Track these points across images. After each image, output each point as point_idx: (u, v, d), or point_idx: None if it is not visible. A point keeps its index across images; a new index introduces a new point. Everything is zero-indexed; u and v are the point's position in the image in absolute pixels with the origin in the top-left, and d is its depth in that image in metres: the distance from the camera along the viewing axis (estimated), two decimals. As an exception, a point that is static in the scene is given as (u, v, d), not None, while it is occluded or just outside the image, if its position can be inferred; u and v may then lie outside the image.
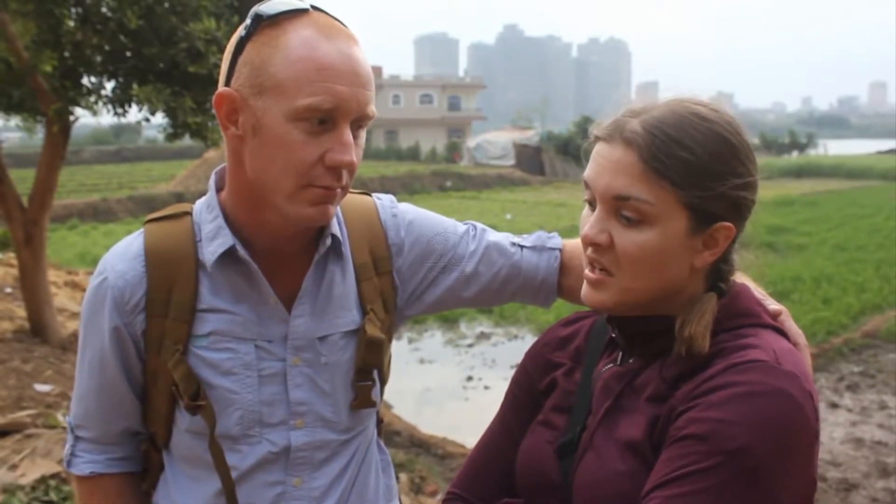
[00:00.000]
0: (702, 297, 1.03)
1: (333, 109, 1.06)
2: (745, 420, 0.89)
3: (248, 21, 1.09)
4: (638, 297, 1.03)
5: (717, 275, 1.07)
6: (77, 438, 1.29)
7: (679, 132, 0.98)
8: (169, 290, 1.18)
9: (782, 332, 1.04)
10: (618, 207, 1.00)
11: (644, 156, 0.97)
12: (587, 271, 1.06)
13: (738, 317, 1.02)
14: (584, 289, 1.07)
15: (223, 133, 1.14)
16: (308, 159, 1.07)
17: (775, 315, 1.08)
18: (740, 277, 1.12)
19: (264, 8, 1.09)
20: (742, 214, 1.03)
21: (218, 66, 5.04)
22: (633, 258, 1.00)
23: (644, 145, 0.98)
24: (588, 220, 1.04)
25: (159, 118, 5.54)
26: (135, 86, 5.13)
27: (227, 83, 1.10)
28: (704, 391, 0.94)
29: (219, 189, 1.22)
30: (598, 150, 1.03)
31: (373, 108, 1.11)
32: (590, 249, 1.04)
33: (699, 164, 0.97)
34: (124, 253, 1.20)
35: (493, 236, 1.38)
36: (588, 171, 1.04)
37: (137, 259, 1.19)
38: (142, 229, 1.23)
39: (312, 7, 1.10)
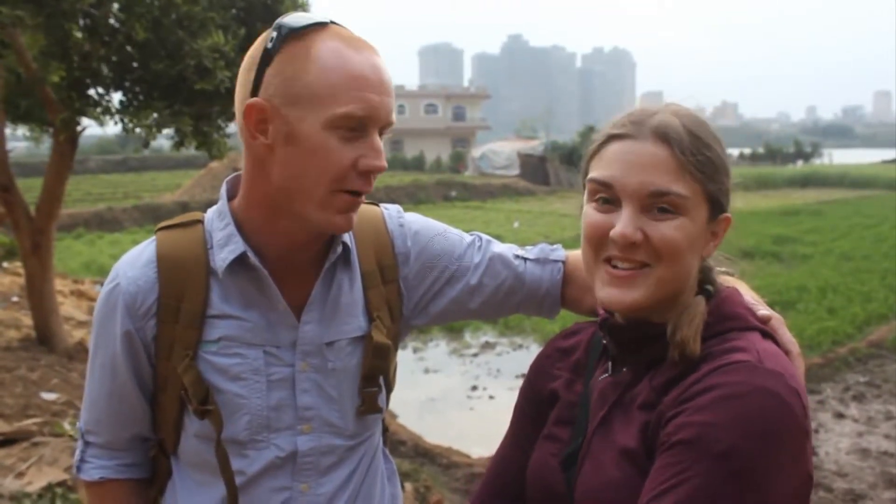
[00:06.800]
0: (691, 300, 1.05)
1: (366, 117, 1.11)
2: (732, 421, 0.90)
3: (273, 34, 1.12)
4: (669, 289, 1.04)
5: (704, 276, 1.10)
6: (87, 444, 1.30)
7: (701, 131, 1.04)
8: (180, 296, 1.20)
9: (768, 335, 1.05)
10: (652, 203, 1.01)
11: (681, 151, 1.01)
12: (611, 270, 1.04)
13: (725, 321, 1.04)
14: (609, 290, 1.04)
15: (248, 142, 1.15)
16: (343, 164, 1.11)
17: (765, 320, 1.09)
18: (732, 282, 1.14)
19: (289, 21, 1.12)
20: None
21: (224, 82, 5.08)
22: (673, 244, 1.01)
23: (680, 140, 1.01)
24: (601, 219, 1.04)
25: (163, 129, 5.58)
26: (134, 115, 5.17)
27: (255, 93, 1.12)
28: (690, 395, 0.95)
29: (230, 198, 1.24)
30: (621, 147, 1.03)
31: (394, 116, 1.16)
32: (613, 248, 1.03)
33: (717, 161, 1.04)
34: (136, 259, 1.23)
35: (498, 248, 1.39)
36: (609, 170, 1.03)
37: (149, 265, 1.21)
38: (154, 237, 1.25)
39: (331, 21, 1.14)
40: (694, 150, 1.01)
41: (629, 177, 1.01)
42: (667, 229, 1.01)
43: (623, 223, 1.01)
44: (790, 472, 0.92)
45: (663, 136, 1.01)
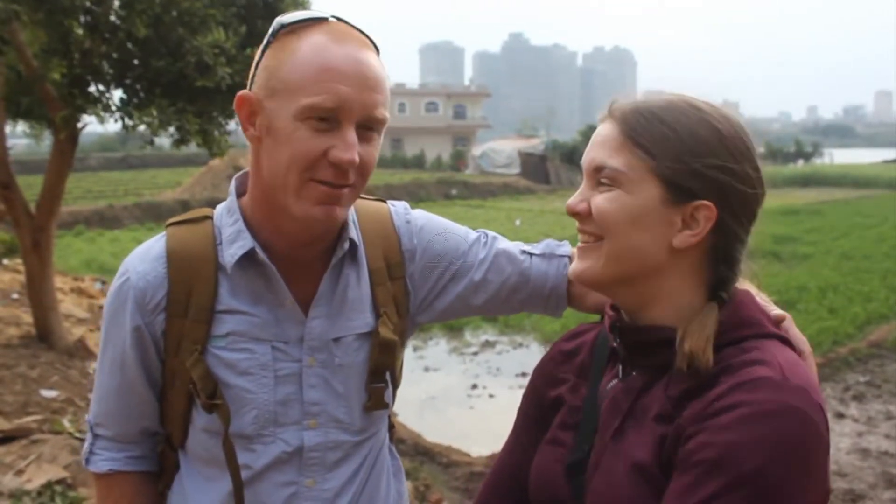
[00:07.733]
0: (703, 307, 1.02)
1: (336, 109, 1.10)
2: (758, 442, 0.88)
3: (271, 29, 1.14)
4: (620, 267, 1.04)
5: (720, 283, 1.05)
6: (96, 437, 1.31)
7: (665, 112, 1.03)
8: (189, 291, 1.20)
9: (786, 341, 1.02)
10: (597, 178, 1.05)
11: (623, 128, 1.03)
12: (578, 244, 1.11)
13: (742, 327, 1.01)
14: (572, 264, 1.12)
15: (245, 135, 1.18)
16: (311, 154, 1.11)
17: (778, 321, 1.06)
18: (742, 284, 1.11)
19: (285, 18, 1.14)
20: (728, 200, 1.00)
21: (225, 79, 5.08)
22: (605, 214, 1.03)
23: (625, 119, 1.04)
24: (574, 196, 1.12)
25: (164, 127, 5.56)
26: (136, 113, 5.16)
27: (251, 87, 1.16)
28: (713, 412, 0.92)
29: (239, 194, 1.25)
30: (595, 130, 1.09)
31: (382, 112, 1.14)
32: (577, 223, 1.09)
33: (676, 140, 1.01)
34: (146, 254, 1.23)
35: (504, 244, 1.39)
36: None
37: (159, 260, 1.22)
38: (163, 232, 1.26)
39: (335, 17, 1.14)
40: (640, 128, 1.02)
41: (586, 155, 1.08)
42: (601, 200, 1.04)
43: (573, 196, 1.09)
44: (815, 490, 0.90)
45: (616, 116, 1.05)
